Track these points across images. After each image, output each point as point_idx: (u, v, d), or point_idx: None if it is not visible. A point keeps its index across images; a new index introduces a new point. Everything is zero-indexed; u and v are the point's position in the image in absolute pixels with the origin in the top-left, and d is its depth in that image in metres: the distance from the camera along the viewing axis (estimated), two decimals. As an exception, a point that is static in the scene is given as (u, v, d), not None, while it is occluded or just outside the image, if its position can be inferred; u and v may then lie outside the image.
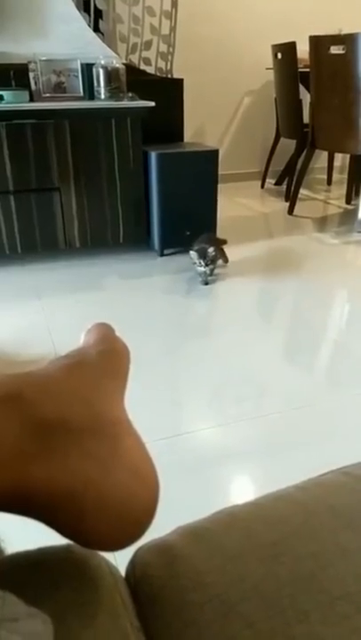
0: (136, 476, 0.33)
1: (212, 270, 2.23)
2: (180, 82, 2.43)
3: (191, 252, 2.18)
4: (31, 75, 2.04)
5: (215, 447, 1.25)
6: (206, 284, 2.23)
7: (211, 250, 2.16)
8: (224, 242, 2.44)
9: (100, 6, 2.30)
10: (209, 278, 2.24)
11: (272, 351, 1.70)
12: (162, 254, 2.63)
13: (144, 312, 2.00)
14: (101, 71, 2.11)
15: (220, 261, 2.29)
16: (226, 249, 2.43)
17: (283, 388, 1.49)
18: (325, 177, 4.00)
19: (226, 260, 2.35)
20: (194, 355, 1.68)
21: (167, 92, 2.43)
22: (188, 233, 2.49)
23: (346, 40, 2.32)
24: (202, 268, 2.19)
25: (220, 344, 1.76)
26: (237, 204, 3.61)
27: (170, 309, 2.05)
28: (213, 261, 2.19)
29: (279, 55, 2.98)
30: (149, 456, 0.35)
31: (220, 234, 2.61)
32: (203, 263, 2.17)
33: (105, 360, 0.36)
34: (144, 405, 1.38)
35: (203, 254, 2.16)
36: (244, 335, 1.81)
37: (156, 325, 1.91)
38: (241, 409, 1.38)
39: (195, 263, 2.20)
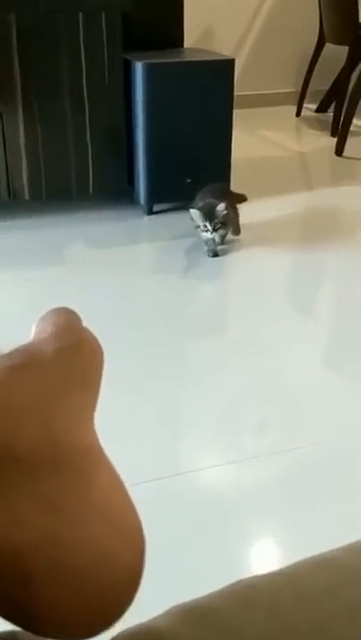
0: (112, 530, 0.32)
1: (223, 237, 2.28)
2: None
3: (192, 211, 2.22)
4: None
5: (226, 493, 1.27)
6: (215, 255, 2.27)
7: (221, 207, 2.20)
8: (242, 198, 2.48)
9: None
10: (219, 248, 2.29)
11: (309, 355, 1.73)
12: (150, 212, 2.66)
13: (124, 297, 2.04)
14: None
15: (229, 231, 2.34)
16: (244, 208, 2.46)
17: (323, 409, 1.51)
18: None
19: (237, 231, 2.40)
20: (197, 360, 1.71)
21: (159, -25, 2.59)
22: (188, 181, 2.53)
23: None
24: (208, 234, 2.23)
25: (235, 345, 1.79)
26: (262, 139, 3.67)
27: (162, 293, 2.09)
28: (225, 224, 2.24)
29: None
30: (131, 502, 0.35)
31: (235, 184, 2.62)
32: (210, 227, 2.21)
33: (67, 361, 0.34)
34: (126, 432, 1.40)
35: (210, 213, 2.20)
36: (269, 332, 1.84)
37: (142, 317, 1.93)
38: (263, 439, 1.42)
39: (198, 227, 2.24)
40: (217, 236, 2.26)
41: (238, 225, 2.41)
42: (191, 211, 2.24)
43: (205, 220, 2.21)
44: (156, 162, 2.54)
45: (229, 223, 2.31)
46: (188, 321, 1.94)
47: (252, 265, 2.31)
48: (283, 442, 1.41)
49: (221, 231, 2.26)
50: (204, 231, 2.24)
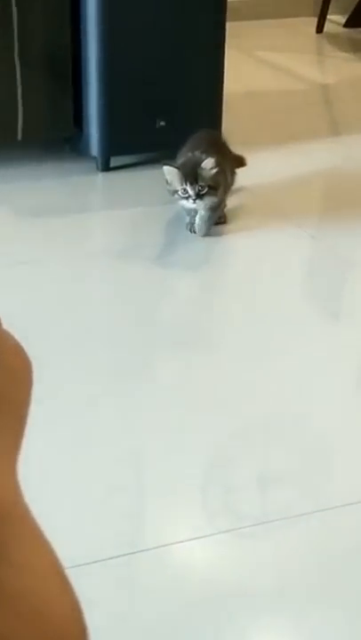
0: (23, 625, 0.34)
1: (212, 209, 2.33)
2: None
3: (167, 169, 2.27)
4: None
5: (214, 576, 1.29)
6: (197, 232, 2.34)
7: (209, 163, 2.26)
8: (239, 161, 2.55)
9: None
10: (205, 224, 2.34)
11: (332, 377, 1.77)
12: (106, 167, 2.70)
13: (66, 292, 2.07)
14: None
15: (221, 202, 2.38)
16: (244, 173, 2.48)
17: (354, 453, 1.55)
18: None
19: (222, 220, 2.45)
20: (173, 383, 1.75)
21: None
22: (161, 124, 2.58)
23: None
24: (189, 203, 2.28)
25: (226, 364, 1.82)
26: (267, 65, 3.65)
27: (121, 289, 2.13)
28: (214, 189, 2.28)
29: None
30: (67, 581, 0.36)
31: (229, 131, 2.64)
32: (191, 192, 2.25)
33: None
34: (66, 485, 1.42)
35: (192, 172, 2.25)
36: (275, 345, 1.89)
37: (95, 320, 1.98)
38: (267, 498, 1.44)
39: (175, 192, 2.29)
40: (202, 207, 2.30)
41: (223, 209, 2.45)
42: (165, 168, 2.27)
43: (185, 183, 2.24)
44: (116, 97, 2.60)
45: (223, 190, 2.34)
46: (159, 330, 1.96)
47: (251, 250, 2.33)
48: (297, 502, 1.43)
49: (209, 199, 2.28)
50: (182, 198, 2.28)
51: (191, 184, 2.23)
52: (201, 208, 2.30)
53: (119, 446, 1.60)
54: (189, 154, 2.33)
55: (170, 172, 2.26)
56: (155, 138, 2.62)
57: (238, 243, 2.40)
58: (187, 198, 2.26)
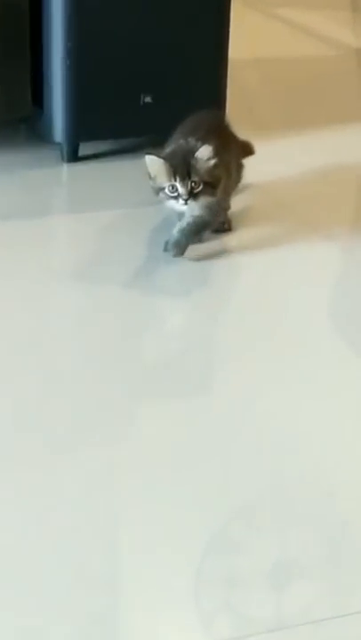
0: None
1: (209, 210, 2.31)
2: None
3: (150, 159, 2.25)
4: None
5: None
6: (174, 254, 2.35)
7: (204, 151, 2.23)
8: (245, 149, 2.56)
9: None
10: (185, 237, 2.33)
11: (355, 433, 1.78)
12: (73, 156, 2.72)
13: (21, 319, 2.08)
14: None
15: (218, 206, 2.37)
16: (253, 165, 2.50)
17: None
18: None
19: (226, 226, 2.48)
20: (156, 441, 1.75)
21: None
22: (147, 100, 2.60)
23: None
24: (178, 203, 2.25)
25: (227, 411, 1.85)
26: (287, 24, 3.82)
27: (93, 315, 2.13)
28: (212, 187, 2.26)
29: None
30: None
31: (234, 109, 2.67)
32: (181, 189, 2.23)
33: None
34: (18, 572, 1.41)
35: (182, 164, 2.23)
36: (294, 388, 1.90)
37: (56, 358, 1.98)
38: (280, 601, 1.41)
39: (161, 190, 2.27)
40: (196, 209, 2.26)
41: (228, 216, 2.46)
42: (147, 159, 2.24)
43: (174, 178, 2.22)
44: (86, 66, 2.62)
45: (223, 187, 2.31)
46: (137, 370, 1.95)
47: (261, 266, 2.32)
48: (319, 602, 1.41)
49: (204, 199, 2.25)
50: (170, 197, 2.25)
51: (182, 179, 2.21)
52: (193, 210, 2.28)
53: (83, 533, 1.57)
54: (181, 141, 2.30)
55: (154, 164, 2.24)
56: (138, 119, 2.62)
57: (245, 257, 2.39)
58: (175, 198, 2.24)
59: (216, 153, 2.23)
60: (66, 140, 2.70)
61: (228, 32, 2.68)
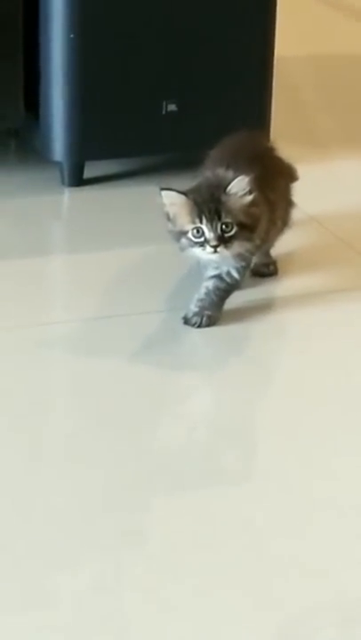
0: None
1: (243, 267, 2.18)
2: None
3: (167, 195, 2.11)
4: None
5: None
6: (198, 325, 2.19)
7: (240, 184, 2.10)
8: (290, 174, 2.40)
9: None
10: (217, 299, 2.21)
11: None
12: (77, 179, 2.61)
13: (4, 394, 1.99)
14: None
15: (258, 252, 2.27)
16: (304, 193, 2.38)
17: None
18: None
19: (272, 269, 2.37)
20: (171, 549, 1.64)
21: None
22: (170, 108, 2.51)
23: None
24: (207, 253, 2.11)
25: (260, 510, 1.73)
26: (349, 12, 3.75)
27: (93, 388, 2.02)
28: (250, 227, 2.12)
29: None
30: None
31: (282, 123, 2.63)
32: (209, 234, 2.08)
33: None
34: None
35: (209, 201, 2.10)
36: (343, 488, 1.79)
37: (46, 442, 1.91)
38: None
39: (182, 234, 2.12)
40: (229, 259, 2.10)
41: (272, 258, 2.36)
42: (164, 194, 2.09)
43: (199, 219, 2.07)
44: (92, 64, 2.50)
45: (264, 230, 2.17)
46: (148, 461, 1.83)
47: (311, 328, 2.18)
48: None
49: (238, 246, 2.09)
50: (194, 244, 2.08)
51: (210, 220, 2.06)
52: (226, 263, 2.13)
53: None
54: (208, 173, 2.17)
55: (173, 201, 2.10)
56: (158, 132, 2.51)
57: (293, 312, 2.22)
58: (202, 244, 2.07)
59: (256, 186, 2.08)
60: (67, 158, 2.56)
61: (274, 22, 2.57)
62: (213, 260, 2.12)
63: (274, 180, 2.26)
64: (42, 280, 2.36)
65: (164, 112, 2.50)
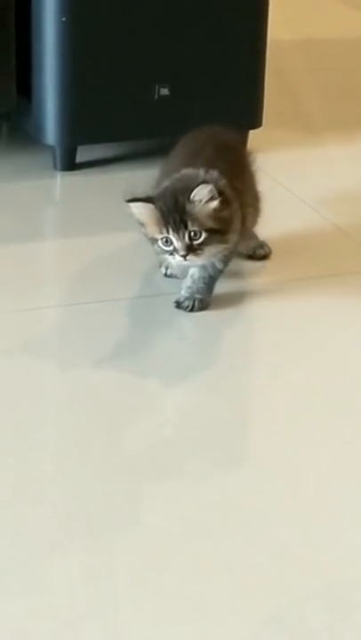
0: None
1: (226, 256, 2.17)
2: None
3: (135, 206, 2.10)
4: None
5: None
6: (190, 308, 2.19)
7: (203, 191, 2.06)
8: (251, 161, 2.39)
9: None
10: (205, 288, 2.21)
11: None
12: (69, 163, 2.62)
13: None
14: None
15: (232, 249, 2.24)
16: (296, 182, 2.44)
17: None
18: None
19: (266, 250, 2.34)
20: (172, 557, 1.61)
21: None
22: (163, 92, 2.51)
23: None
24: (177, 259, 2.11)
25: (256, 518, 1.69)
26: None
27: (83, 391, 1.99)
28: (221, 231, 2.11)
29: None
30: None
31: (274, 107, 2.63)
32: (178, 243, 2.07)
33: None
34: None
35: (174, 209, 2.08)
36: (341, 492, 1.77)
37: (35, 444, 1.87)
38: None
39: (154, 241, 2.11)
40: (198, 264, 2.11)
41: (258, 239, 2.33)
42: (131, 205, 2.07)
43: (167, 228, 2.04)
44: (84, 46, 2.51)
45: (233, 230, 2.14)
46: (136, 463, 1.81)
47: (304, 318, 2.15)
48: None
49: (212, 249, 2.08)
50: (164, 251, 2.08)
51: (176, 231, 2.04)
52: (195, 265, 2.13)
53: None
54: (174, 174, 2.14)
55: (140, 210, 2.07)
56: (151, 116, 2.51)
57: (286, 297, 2.20)
58: (172, 253, 2.07)
59: (220, 184, 2.07)
60: (60, 142, 2.57)
61: (267, 5, 2.58)
62: (180, 264, 2.12)
63: (244, 177, 2.24)
64: (33, 264, 2.35)
65: (156, 96, 2.51)
